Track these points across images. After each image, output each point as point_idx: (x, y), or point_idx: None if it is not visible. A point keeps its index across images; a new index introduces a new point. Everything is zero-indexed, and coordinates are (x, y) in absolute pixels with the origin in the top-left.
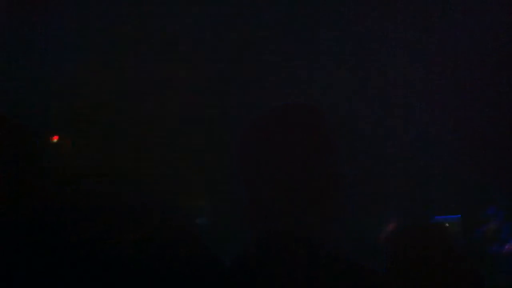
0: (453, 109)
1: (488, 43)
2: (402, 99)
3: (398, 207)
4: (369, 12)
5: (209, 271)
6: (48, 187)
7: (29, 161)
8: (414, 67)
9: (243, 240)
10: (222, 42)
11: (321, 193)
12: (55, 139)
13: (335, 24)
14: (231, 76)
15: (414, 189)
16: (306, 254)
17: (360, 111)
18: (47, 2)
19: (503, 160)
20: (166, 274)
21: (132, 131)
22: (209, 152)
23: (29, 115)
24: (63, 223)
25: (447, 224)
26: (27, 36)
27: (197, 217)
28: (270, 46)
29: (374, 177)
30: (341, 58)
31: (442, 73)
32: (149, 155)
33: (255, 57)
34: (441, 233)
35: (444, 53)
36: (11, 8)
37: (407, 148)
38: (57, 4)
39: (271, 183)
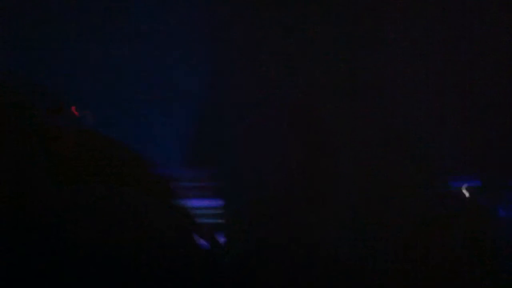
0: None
1: (488, 43)
2: (402, 98)
3: (400, 205)
4: (368, 12)
5: (208, 271)
6: (48, 187)
7: (29, 160)
8: (413, 66)
9: (243, 240)
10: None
11: (321, 193)
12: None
13: (335, 22)
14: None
15: (416, 188)
16: (305, 254)
17: (359, 110)
18: None
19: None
20: (166, 274)
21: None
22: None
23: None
24: (63, 223)
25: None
26: None
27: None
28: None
29: (375, 176)
30: (342, 57)
31: (442, 73)
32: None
33: (255, 56)
34: (444, 230)
35: (444, 52)
36: None
37: (408, 146)
38: None
39: (271, 182)
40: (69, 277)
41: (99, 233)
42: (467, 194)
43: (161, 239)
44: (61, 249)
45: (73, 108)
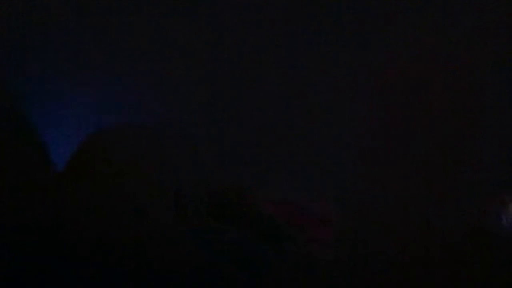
0: None
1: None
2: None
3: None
4: (367, 11)
5: (207, 270)
6: (49, 187)
7: (30, 161)
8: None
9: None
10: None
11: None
12: None
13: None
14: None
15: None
16: None
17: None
18: None
19: None
20: (165, 274)
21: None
22: None
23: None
24: (63, 223)
25: None
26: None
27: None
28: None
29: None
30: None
31: None
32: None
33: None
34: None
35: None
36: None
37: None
38: None
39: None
40: (69, 277)
41: (99, 233)
42: None
43: (161, 239)
44: (61, 249)
45: None
